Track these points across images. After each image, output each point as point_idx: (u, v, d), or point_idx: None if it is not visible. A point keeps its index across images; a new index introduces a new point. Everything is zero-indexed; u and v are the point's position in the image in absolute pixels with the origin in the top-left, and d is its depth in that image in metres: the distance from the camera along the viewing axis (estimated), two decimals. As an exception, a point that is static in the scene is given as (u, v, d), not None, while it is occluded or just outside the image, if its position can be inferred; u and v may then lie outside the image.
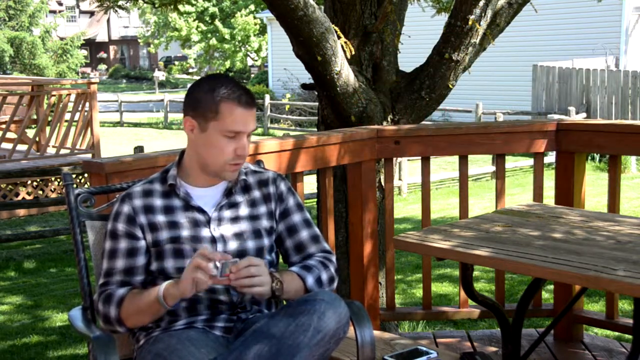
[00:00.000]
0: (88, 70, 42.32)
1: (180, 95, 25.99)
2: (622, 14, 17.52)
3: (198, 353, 1.91)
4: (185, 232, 2.08)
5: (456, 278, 5.91)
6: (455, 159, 3.69)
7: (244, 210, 2.15)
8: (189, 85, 2.51)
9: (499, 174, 3.48)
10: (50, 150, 11.14)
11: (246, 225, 2.14)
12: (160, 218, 2.09)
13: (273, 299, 2.11)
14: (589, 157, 12.73)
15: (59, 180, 10.25)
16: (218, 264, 1.89)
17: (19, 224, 10.10)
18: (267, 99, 20.98)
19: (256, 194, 2.19)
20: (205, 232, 2.09)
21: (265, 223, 2.16)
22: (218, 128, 2.04)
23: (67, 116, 11.27)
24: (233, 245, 2.10)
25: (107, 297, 2.05)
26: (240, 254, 2.08)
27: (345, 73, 3.46)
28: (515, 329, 2.72)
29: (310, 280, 2.11)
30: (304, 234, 2.21)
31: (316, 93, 3.94)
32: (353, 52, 3.57)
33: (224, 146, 2.05)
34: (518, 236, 2.42)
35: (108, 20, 44.82)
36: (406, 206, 10.87)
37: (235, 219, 2.13)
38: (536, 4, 4.69)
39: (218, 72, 29.28)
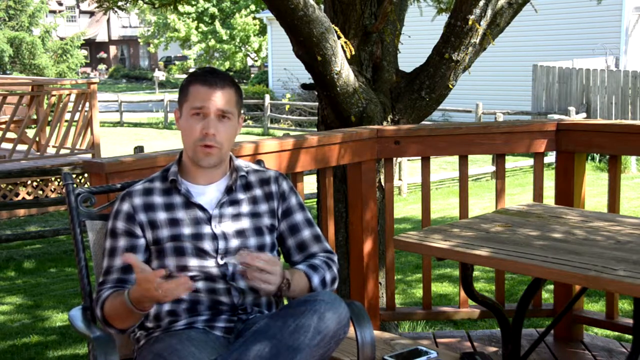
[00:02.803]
0: (88, 70, 42.32)
1: (180, 95, 25.93)
2: (622, 14, 17.53)
3: (198, 353, 1.91)
4: (186, 230, 2.08)
5: (456, 278, 5.91)
6: (455, 159, 3.70)
7: (245, 208, 2.16)
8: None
9: (499, 174, 3.48)
10: (50, 150, 11.14)
11: (247, 222, 2.14)
12: (161, 215, 2.09)
13: (275, 297, 2.11)
14: (589, 157, 12.73)
15: (59, 180, 10.25)
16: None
17: (19, 224, 10.10)
18: (267, 99, 20.98)
19: (258, 192, 2.19)
20: (206, 230, 2.09)
21: (266, 221, 2.17)
22: (187, 108, 2.10)
23: (67, 116, 11.27)
24: (234, 242, 2.10)
25: (97, 299, 2.06)
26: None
27: (345, 73, 3.46)
28: (515, 329, 2.72)
29: (316, 280, 2.12)
30: (306, 234, 2.21)
31: (316, 93, 3.94)
32: (353, 52, 3.57)
33: (192, 125, 2.08)
34: (518, 236, 2.42)
35: (108, 20, 44.81)
36: (406, 206, 10.87)
37: (236, 216, 2.13)
38: (536, 4, 4.69)
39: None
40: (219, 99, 2.08)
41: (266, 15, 24.95)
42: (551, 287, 3.73)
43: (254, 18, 29.87)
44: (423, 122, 3.85)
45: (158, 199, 2.12)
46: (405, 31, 4.09)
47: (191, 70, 36.48)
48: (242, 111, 2.19)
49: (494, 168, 12.45)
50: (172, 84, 36.50)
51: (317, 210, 3.58)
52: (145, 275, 1.84)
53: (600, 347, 3.35)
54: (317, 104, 5.04)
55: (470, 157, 3.53)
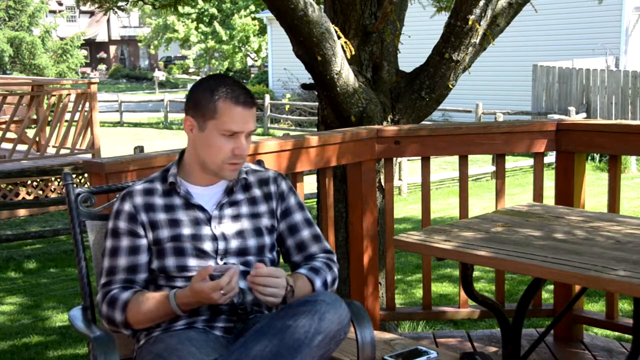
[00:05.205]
0: (88, 70, 42.32)
1: (180, 95, 25.99)
2: (622, 14, 17.52)
3: (198, 353, 1.91)
4: (186, 231, 2.08)
5: (456, 278, 5.91)
6: (455, 159, 3.70)
7: (244, 209, 2.16)
8: (189, 85, 2.53)
9: (499, 174, 3.48)
10: (50, 150, 11.14)
11: (247, 223, 2.14)
12: (161, 216, 2.09)
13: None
14: (589, 157, 12.72)
15: (59, 180, 10.25)
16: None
17: (19, 224, 10.10)
18: (267, 99, 20.97)
19: (257, 192, 2.19)
20: (206, 230, 2.09)
21: (266, 221, 2.17)
22: (216, 127, 2.04)
23: (67, 116, 11.27)
24: (234, 243, 2.10)
25: (111, 300, 2.04)
26: (242, 252, 2.09)
27: (345, 73, 3.46)
28: (515, 329, 2.72)
29: (318, 283, 2.12)
30: (305, 233, 2.21)
31: (316, 93, 3.94)
32: (353, 52, 3.57)
33: (222, 145, 2.05)
34: (518, 236, 2.42)
35: (108, 21, 44.79)
36: (406, 206, 10.87)
37: (236, 217, 2.14)
38: (536, 4, 4.69)
39: (218, 72, 29.31)
40: (252, 120, 2.07)
41: (266, 15, 24.95)
42: (551, 287, 3.73)
43: (254, 18, 29.86)
44: (423, 122, 3.85)
45: (158, 200, 2.12)
46: (405, 31, 4.09)
47: (191, 70, 36.65)
48: None
49: (494, 168, 12.45)
50: (172, 84, 36.51)
51: (317, 210, 3.58)
52: (201, 286, 1.89)
53: (600, 347, 3.35)
54: (317, 104, 5.04)
55: (470, 157, 3.53)
